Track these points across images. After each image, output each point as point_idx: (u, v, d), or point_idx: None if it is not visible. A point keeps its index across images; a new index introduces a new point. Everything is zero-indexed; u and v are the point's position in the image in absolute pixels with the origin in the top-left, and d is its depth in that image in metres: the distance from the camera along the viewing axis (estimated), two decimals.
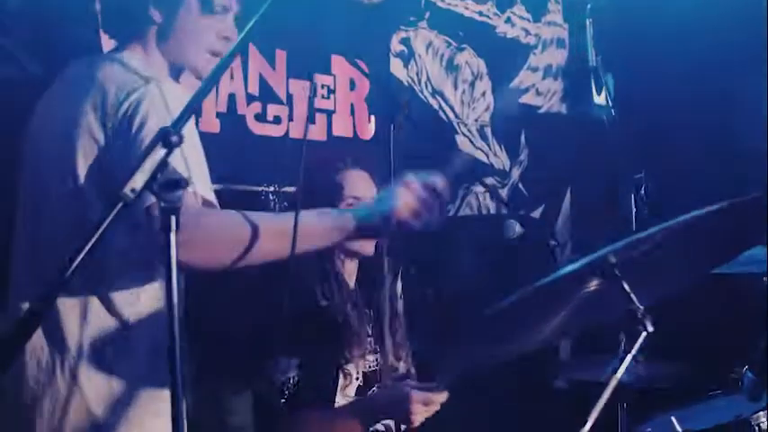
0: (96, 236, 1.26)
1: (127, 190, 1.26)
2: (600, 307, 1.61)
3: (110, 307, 1.77)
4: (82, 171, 1.73)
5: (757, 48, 4.09)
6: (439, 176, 1.74)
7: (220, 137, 2.89)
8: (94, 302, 1.77)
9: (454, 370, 2.17)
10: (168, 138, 1.28)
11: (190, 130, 1.71)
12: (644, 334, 1.46)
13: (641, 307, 1.48)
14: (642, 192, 3.08)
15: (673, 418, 2.47)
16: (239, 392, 2.56)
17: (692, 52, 4.25)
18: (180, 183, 1.30)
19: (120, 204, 1.26)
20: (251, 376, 2.44)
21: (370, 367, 2.46)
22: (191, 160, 1.69)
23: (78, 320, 1.76)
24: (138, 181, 1.27)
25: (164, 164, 1.29)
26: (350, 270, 2.50)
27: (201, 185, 1.70)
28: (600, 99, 5.12)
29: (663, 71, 4.30)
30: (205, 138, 2.74)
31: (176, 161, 1.43)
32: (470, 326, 1.79)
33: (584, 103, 4.83)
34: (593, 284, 1.54)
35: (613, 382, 1.46)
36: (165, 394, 1.44)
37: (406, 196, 1.70)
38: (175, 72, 1.95)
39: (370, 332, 2.48)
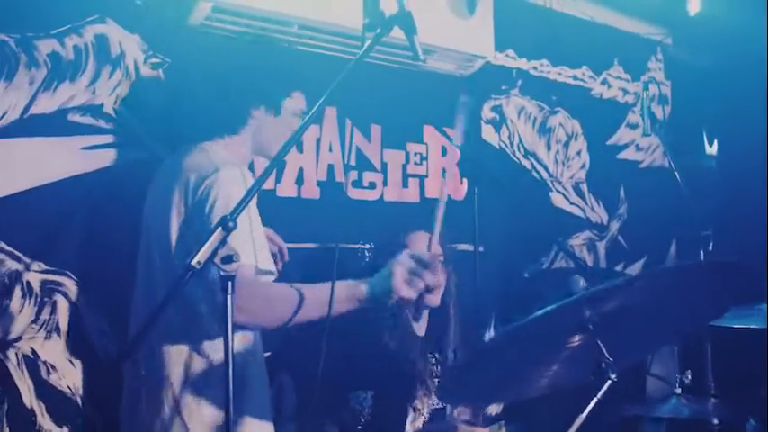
0: (170, 295, 1.73)
1: (194, 262, 1.71)
2: (585, 362, 1.87)
3: (200, 351, 2.25)
4: (173, 245, 2.21)
5: None
6: (433, 253, 2.08)
7: (320, 202, 3.34)
8: (191, 349, 2.26)
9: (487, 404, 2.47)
10: (226, 223, 1.73)
11: (252, 211, 2.16)
12: (608, 382, 1.74)
13: (609, 359, 1.76)
14: (710, 248, 3.27)
15: None
16: (330, 422, 2.97)
17: None
18: (233, 257, 1.74)
19: (189, 273, 1.72)
20: (337, 409, 2.84)
21: (436, 405, 2.82)
22: (253, 237, 2.16)
23: (179, 363, 2.25)
24: (203, 255, 1.73)
25: (223, 242, 1.74)
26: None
27: (260, 258, 2.15)
28: (711, 150, 5.28)
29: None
30: (306, 203, 3.25)
31: (240, 239, 1.88)
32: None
33: (694, 154, 5.00)
34: (576, 339, 1.84)
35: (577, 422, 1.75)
36: (248, 419, 1.91)
37: (401, 274, 2.04)
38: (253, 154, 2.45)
39: (436, 375, 2.84)
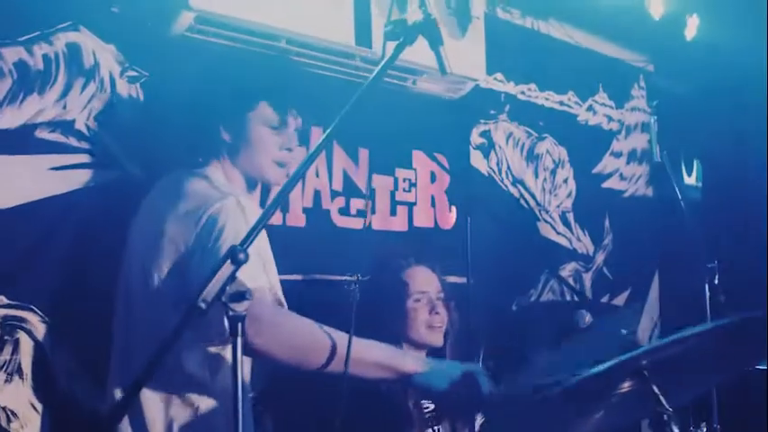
0: (170, 341, 1.48)
1: (200, 301, 1.47)
2: (632, 408, 1.69)
3: (184, 398, 1.99)
4: (162, 275, 1.95)
5: None
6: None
7: (305, 230, 3.10)
8: (173, 396, 2.00)
9: None
10: (236, 255, 1.49)
11: (261, 237, 1.92)
12: None
13: (669, 409, 1.57)
14: (716, 281, 3.12)
15: None
16: None
17: None
18: (246, 294, 1.50)
19: (194, 314, 1.47)
20: None
21: None
22: (266, 264, 1.92)
23: (160, 409, 1.99)
24: (210, 293, 1.48)
25: (232, 278, 1.50)
26: None
27: (277, 288, 1.92)
28: (690, 180, 5.18)
29: (745, 157, 4.34)
30: (291, 231, 3.02)
31: (253, 265, 1.64)
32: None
33: (671, 185, 4.89)
34: (626, 386, 1.64)
35: None
36: None
37: (457, 386, 1.91)
38: (252, 184, 2.21)
39: (435, 417, 2.61)
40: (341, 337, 1.91)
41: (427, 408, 2.61)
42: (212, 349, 1.98)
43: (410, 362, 1.97)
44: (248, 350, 1.76)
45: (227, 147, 2.19)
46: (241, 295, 1.49)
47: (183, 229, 1.95)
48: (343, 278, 3.14)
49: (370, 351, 1.95)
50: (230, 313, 1.49)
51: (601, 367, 1.58)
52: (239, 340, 1.50)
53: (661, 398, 1.57)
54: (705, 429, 2.88)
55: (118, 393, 2.05)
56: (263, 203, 2.47)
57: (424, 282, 2.66)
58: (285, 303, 1.97)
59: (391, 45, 1.79)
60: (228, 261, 1.49)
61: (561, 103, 4.33)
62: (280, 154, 2.19)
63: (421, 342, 2.63)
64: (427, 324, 2.67)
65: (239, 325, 1.50)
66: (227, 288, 1.48)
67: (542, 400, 1.60)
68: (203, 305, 1.46)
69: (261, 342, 1.80)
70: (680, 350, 1.60)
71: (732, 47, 4.24)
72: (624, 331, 3.30)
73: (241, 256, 1.48)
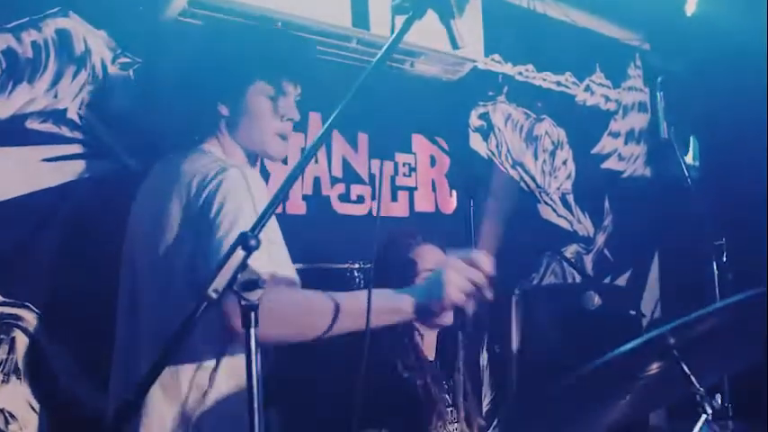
0: (181, 333, 1.40)
1: (210, 291, 1.39)
2: (662, 390, 1.63)
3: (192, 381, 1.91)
4: (170, 256, 1.87)
5: None
6: (481, 252, 1.83)
7: (306, 218, 3.03)
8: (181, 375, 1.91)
9: None
10: (247, 241, 1.41)
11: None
12: (703, 417, 1.48)
13: (701, 389, 1.50)
14: (724, 259, 3.06)
15: None
16: None
17: None
18: (258, 282, 1.42)
19: (204, 304, 1.39)
20: None
21: None
22: (273, 247, 1.84)
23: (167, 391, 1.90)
24: (221, 282, 1.40)
25: (243, 265, 1.42)
26: (429, 342, 2.59)
27: (283, 267, 1.84)
28: (687, 159, 5.12)
29: (744, 134, 4.28)
30: (291, 219, 2.94)
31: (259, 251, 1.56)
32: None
33: (671, 164, 4.83)
34: (654, 367, 1.57)
35: None
36: None
37: (456, 279, 1.79)
38: (252, 159, 2.13)
39: (450, 402, 2.55)
40: (338, 297, 1.82)
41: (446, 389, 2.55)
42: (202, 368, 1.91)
43: (406, 299, 1.85)
44: (269, 337, 1.67)
45: (225, 121, 2.10)
46: (254, 283, 1.41)
47: (185, 206, 1.87)
48: (345, 266, 3.10)
49: (375, 301, 1.83)
50: (243, 302, 1.41)
51: (625, 348, 1.50)
52: (253, 331, 1.43)
53: (692, 378, 1.50)
54: (720, 402, 2.79)
55: (120, 391, 1.97)
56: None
57: (432, 259, 2.57)
58: (299, 282, 1.88)
59: (399, 21, 1.71)
60: (239, 248, 1.41)
61: (558, 84, 4.26)
62: (281, 125, 2.11)
63: (433, 322, 2.53)
64: None
65: (252, 314, 1.42)
66: (239, 276, 1.41)
67: (560, 389, 1.53)
68: (214, 294, 1.38)
69: (276, 331, 1.72)
70: (707, 327, 1.53)
71: (731, 23, 4.16)
72: (633, 312, 3.26)
73: (252, 242, 1.40)
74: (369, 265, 3.06)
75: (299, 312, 1.82)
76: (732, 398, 3.07)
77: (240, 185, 1.84)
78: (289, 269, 1.87)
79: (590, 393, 1.60)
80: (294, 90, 2.16)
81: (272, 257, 1.82)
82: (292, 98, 2.15)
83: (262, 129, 2.11)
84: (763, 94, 4.12)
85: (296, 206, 3.01)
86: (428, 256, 2.58)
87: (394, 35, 1.68)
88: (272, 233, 1.86)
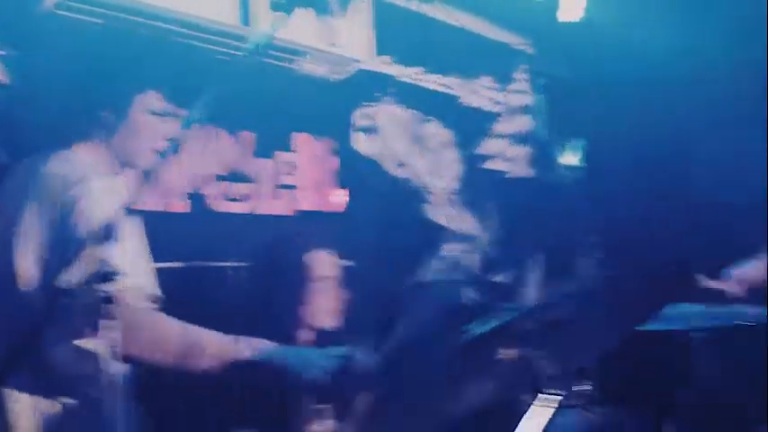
0: (38, 327, 1.40)
1: (64, 284, 1.40)
2: (513, 378, 1.70)
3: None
4: (25, 263, 1.85)
5: (719, 111, 4.30)
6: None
7: (187, 216, 3.02)
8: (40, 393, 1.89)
9: None
10: (101, 236, 1.42)
11: (135, 226, 1.85)
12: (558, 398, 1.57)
13: (555, 373, 1.59)
14: (596, 256, 3.21)
15: None
16: None
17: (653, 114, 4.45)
18: (113, 274, 1.43)
19: (58, 296, 1.40)
20: None
21: None
22: (135, 257, 1.85)
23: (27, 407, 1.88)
24: (76, 274, 1.41)
25: (99, 259, 1.43)
26: None
27: (147, 281, 1.85)
28: (570, 160, 5.31)
29: (626, 135, 4.48)
30: (172, 217, 2.93)
31: (132, 261, 1.58)
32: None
33: (553, 166, 5.01)
34: (510, 353, 1.65)
35: None
36: None
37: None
38: (122, 167, 2.12)
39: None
40: (210, 336, 1.87)
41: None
42: (82, 344, 1.89)
43: (245, 348, 1.94)
44: (125, 357, 1.69)
45: (104, 129, 2.09)
46: (109, 275, 1.42)
47: (43, 212, 1.85)
48: (227, 264, 3.10)
49: (210, 341, 1.89)
50: (99, 294, 1.43)
51: (478, 331, 1.57)
52: (113, 324, 1.44)
53: (547, 361, 1.59)
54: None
55: None
56: None
57: (324, 265, 2.58)
58: (161, 295, 1.90)
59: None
60: (93, 242, 1.42)
61: (446, 86, 4.35)
62: (161, 143, 2.11)
63: (319, 327, 2.56)
64: (326, 308, 2.60)
65: (110, 307, 1.44)
66: (93, 269, 1.42)
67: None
68: (66, 285, 1.39)
69: (137, 350, 1.74)
70: (560, 314, 1.62)
71: (618, 29, 4.35)
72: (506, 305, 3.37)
73: (105, 236, 1.42)
74: (247, 265, 3.06)
75: (178, 348, 1.85)
76: (601, 383, 3.20)
77: (106, 193, 1.84)
78: (153, 287, 1.90)
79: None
80: (182, 111, 2.16)
81: (144, 272, 1.85)
82: (177, 119, 2.15)
83: (140, 143, 2.12)
84: (648, 96, 4.33)
85: (177, 204, 3.00)
86: (320, 262, 2.59)
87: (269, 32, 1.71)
88: (141, 245, 1.88)
